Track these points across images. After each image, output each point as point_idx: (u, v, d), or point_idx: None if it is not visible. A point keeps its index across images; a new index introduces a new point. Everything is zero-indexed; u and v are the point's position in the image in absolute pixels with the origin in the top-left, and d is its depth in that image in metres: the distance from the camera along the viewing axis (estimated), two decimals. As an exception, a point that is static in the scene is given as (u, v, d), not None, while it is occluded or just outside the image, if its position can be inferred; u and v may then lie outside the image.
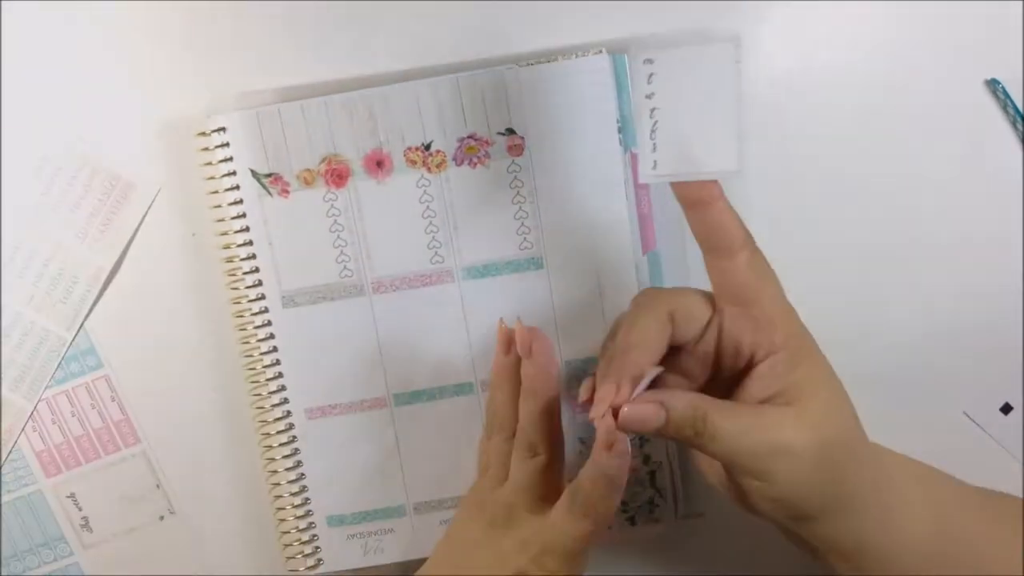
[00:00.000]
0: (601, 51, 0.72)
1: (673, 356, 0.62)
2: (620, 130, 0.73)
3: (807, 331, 0.61)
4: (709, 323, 0.61)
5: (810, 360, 0.60)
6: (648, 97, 0.56)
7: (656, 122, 0.56)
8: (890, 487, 0.61)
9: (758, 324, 0.59)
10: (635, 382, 0.59)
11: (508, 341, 0.70)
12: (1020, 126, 0.76)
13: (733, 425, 0.57)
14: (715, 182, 0.58)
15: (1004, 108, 0.76)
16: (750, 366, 0.60)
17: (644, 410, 0.58)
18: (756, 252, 0.60)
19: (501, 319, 0.71)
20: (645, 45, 0.56)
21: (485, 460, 0.72)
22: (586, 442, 0.77)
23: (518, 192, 0.74)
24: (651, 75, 0.56)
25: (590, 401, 0.62)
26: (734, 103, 0.54)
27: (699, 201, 0.58)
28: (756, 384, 0.59)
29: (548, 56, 0.73)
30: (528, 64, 0.73)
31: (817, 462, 0.58)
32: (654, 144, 0.57)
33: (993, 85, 0.76)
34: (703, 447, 0.58)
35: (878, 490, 0.61)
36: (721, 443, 0.57)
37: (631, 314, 0.62)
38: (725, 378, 0.62)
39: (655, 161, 0.57)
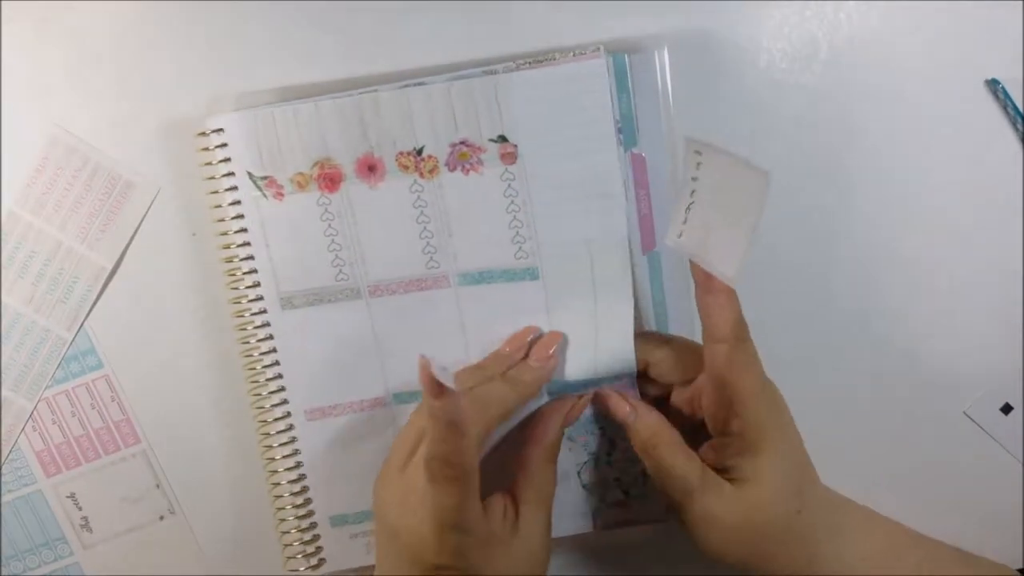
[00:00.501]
0: (599, 50, 0.72)
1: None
2: (620, 130, 0.73)
3: (774, 421, 0.67)
4: (689, 380, 0.72)
5: (763, 452, 0.66)
6: (693, 180, 0.61)
7: (693, 203, 0.62)
8: (839, 535, 0.69)
9: (722, 405, 0.66)
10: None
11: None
12: (1020, 126, 0.75)
13: (678, 470, 0.68)
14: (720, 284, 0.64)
15: (1004, 108, 0.76)
16: (715, 431, 0.68)
17: (619, 402, 0.73)
18: (740, 344, 0.65)
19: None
20: (696, 140, 0.60)
21: None
22: (575, 439, 0.77)
23: (512, 201, 0.73)
24: (699, 164, 0.61)
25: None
26: (754, 226, 0.58)
27: (703, 286, 0.64)
28: (709, 452, 0.69)
29: (545, 56, 0.72)
30: (523, 66, 0.72)
31: (735, 536, 0.67)
32: (686, 219, 0.62)
33: (993, 85, 0.75)
34: (649, 468, 0.70)
35: (817, 542, 0.68)
36: (661, 476, 0.69)
37: None
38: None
39: (682, 232, 0.63)
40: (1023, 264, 0.77)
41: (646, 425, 0.70)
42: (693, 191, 0.62)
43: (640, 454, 0.71)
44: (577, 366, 0.75)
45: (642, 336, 0.75)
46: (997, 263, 0.77)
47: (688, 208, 0.62)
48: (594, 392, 0.75)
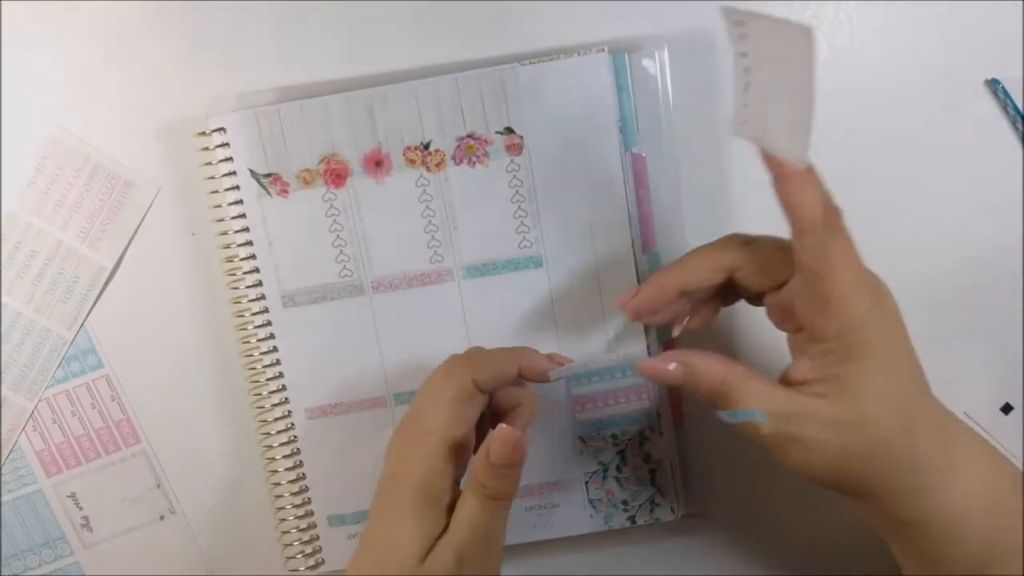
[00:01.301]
0: (603, 50, 0.72)
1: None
2: (621, 130, 0.73)
3: (879, 320, 0.59)
4: (780, 285, 0.62)
5: (865, 358, 0.58)
6: (742, 56, 0.56)
7: (749, 81, 0.56)
8: (948, 464, 0.60)
9: (817, 306, 0.59)
10: (656, 292, 0.65)
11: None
12: (1020, 126, 0.76)
13: (762, 403, 0.59)
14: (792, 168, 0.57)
15: (1004, 108, 0.76)
16: (812, 340, 0.60)
17: (662, 370, 0.62)
18: (827, 235, 0.57)
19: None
20: (734, 10, 0.55)
21: None
22: (586, 441, 0.77)
23: (517, 191, 0.74)
24: (743, 35, 0.55)
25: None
26: (812, 91, 0.53)
27: (778, 174, 0.58)
28: (805, 363, 0.60)
29: (549, 55, 0.73)
30: (528, 63, 0.73)
31: (835, 461, 0.59)
32: (746, 101, 0.56)
33: (993, 85, 0.76)
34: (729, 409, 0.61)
35: (922, 468, 0.60)
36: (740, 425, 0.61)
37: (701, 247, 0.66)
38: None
39: (746, 119, 0.57)
40: (1023, 264, 0.77)
41: (706, 377, 0.62)
42: (746, 68, 0.56)
43: (713, 405, 0.62)
44: (586, 350, 0.76)
45: (722, 240, 0.66)
46: (997, 263, 0.78)
47: (746, 89, 0.56)
48: (638, 371, 0.64)
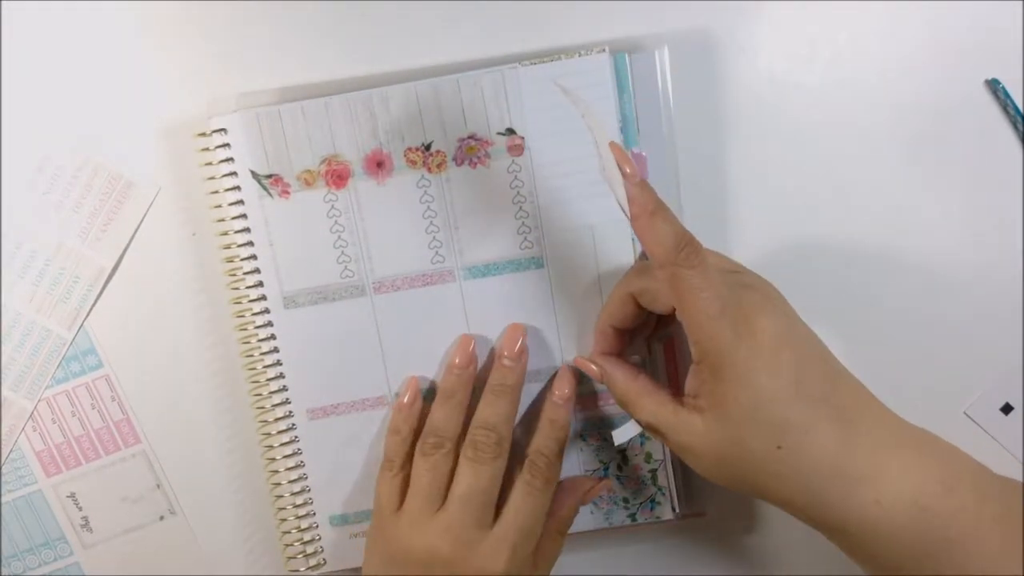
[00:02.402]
0: (604, 50, 0.72)
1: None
2: (621, 129, 0.74)
3: (744, 344, 0.61)
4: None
5: (728, 380, 0.62)
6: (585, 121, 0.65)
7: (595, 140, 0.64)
8: (849, 474, 0.61)
9: (687, 330, 0.63)
10: (599, 336, 0.73)
11: (470, 353, 0.75)
12: (1020, 126, 0.76)
13: (653, 417, 0.67)
14: (647, 196, 0.62)
15: (1004, 108, 0.76)
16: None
17: (587, 366, 0.73)
18: (678, 270, 0.61)
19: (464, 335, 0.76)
20: (562, 86, 0.66)
21: (398, 488, 0.74)
22: (587, 439, 0.77)
23: (518, 192, 0.74)
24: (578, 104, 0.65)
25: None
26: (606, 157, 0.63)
27: (630, 216, 0.63)
28: (689, 379, 0.66)
29: (550, 55, 0.73)
30: (530, 63, 0.73)
31: (721, 469, 0.64)
32: (599, 155, 0.64)
33: (993, 85, 0.76)
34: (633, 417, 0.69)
35: (815, 480, 0.62)
36: (643, 422, 0.68)
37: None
38: None
39: (602, 168, 0.64)
40: (1023, 264, 0.78)
41: (613, 384, 0.70)
42: (590, 128, 0.64)
43: (624, 408, 0.70)
44: (587, 349, 0.76)
45: (629, 271, 0.73)
46: (997, 263, 0.78)
47: (596, 144, 0.63)
48: (565, 373, 0.76)
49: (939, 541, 0.60)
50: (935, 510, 0.60)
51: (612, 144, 0.63)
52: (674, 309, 0.64)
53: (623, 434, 0.72)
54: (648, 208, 0.62)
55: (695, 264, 0.61)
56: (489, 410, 0.73)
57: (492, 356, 0.76)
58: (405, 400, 0.75)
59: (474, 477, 0.71)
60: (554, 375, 0.76)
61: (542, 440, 0.73)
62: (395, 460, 0.74)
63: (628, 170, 0.62)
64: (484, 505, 0.71)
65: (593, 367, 0.72)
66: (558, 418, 0.74)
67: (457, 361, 0.74)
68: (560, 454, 0.74)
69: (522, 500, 0.72)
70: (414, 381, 0.76)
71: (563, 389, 0.75)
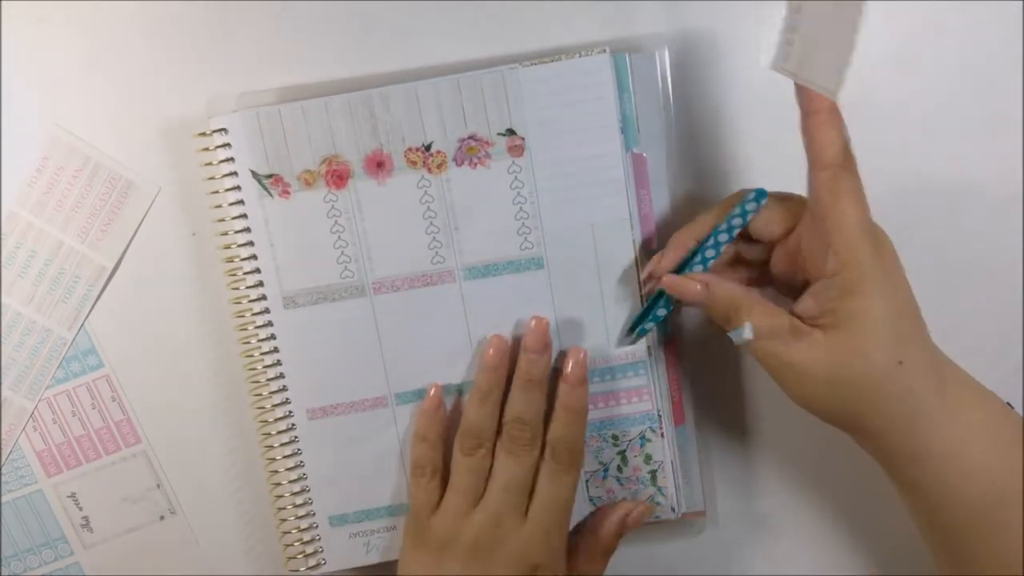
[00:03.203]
0: (604, 51, 0.73)
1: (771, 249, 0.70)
2: (622, 130, 0.74)
3: (879, 262, 0.62)
4: (794, 228, 0.67)
5: (863, 294, 0.62)
6: (796, 11, 0.59)
7: (798, 19, 0.60)
8: (944, 405, 0.63)
9: (822, 243, 0.63)
10: (677, 250, 0.71)
11: (504, 352, 0.75)
12: None
13: (770, 327, 0.65)
14: (824, 98, 0.62)
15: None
16: (814, 277, 0.64)
17: (687, 284, 0.69)
18: (841, 172, 0.61)
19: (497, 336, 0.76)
20: None
21: (434, 491, 0.75)
22: (587, 441, 0.77)
23: (518, 192, 0.74)
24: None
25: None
26: (855, 39, 0.59)
27: (804, 109, 0.63)
28: (808, 299, 0.65)
29: (551, 55, 0.73)
30: (530, 64, 0.73)
31: (828, 390, 0.64)
32: (790, 40, 0.60)
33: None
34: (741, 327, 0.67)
35: (916, 405, 0.63)
36: (760, 328, 0.66)
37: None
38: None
39: (788, 54, 0.60)
40: (1023, 264, 0.78)
41: (720, 297, 0.68)
42: (797, 8, 0.60)
43: (724, 324, 0.69)
44: (591, 349, 0.76)
45: (731, 196, 0.71)
46: (997, 263, 0.78)
47: (794, 27, 0.60)
48: (663, 287, 0.71)
49: (1012, 493, 0.63)
50: (1014, 458, 0.63)
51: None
52: (780, 236, 0.67)
53: (737, 336, 0.68)
54: (827, 105, 0.62)
55: (855, 174, 0.62)
56: (521, 405, 0.73)
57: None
58: (428, 406, 0.76)
59: (512, 470, 0.72)
60: (560, 357, 0.76)
61: (560, 428, 0.73)
62: (426, 467, 0.75)
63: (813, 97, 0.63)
64: (521, 495, 0.72)
65: (696, 285, 0.69)
66: (573, 402, 0.73)
67: (492, 361, 0.74)
68: (581, 437, 0.74)
69: (550, 487, 0.73)
70: (437, 388, 0.76)
71: (576, 372, 0.74)
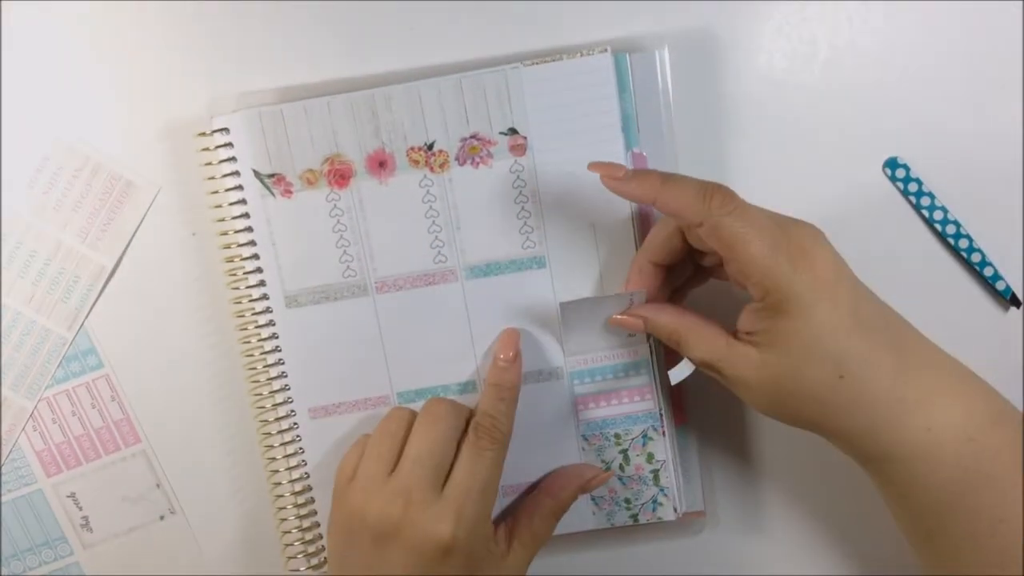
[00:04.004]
0: (606, 50, 0.73)
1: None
2: (623, 129, 0.74)
3: (802, 276, 0.62)
4: None
5: (789, 314, 0.62)
6: None
7: None
8: (904, 403, 0.63)
9: (741, 275, 0.63)
10: (634, 272, 0.73)
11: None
12: None
13: (707, 352, 0.67)
14: (645, 177, 0.65)
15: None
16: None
17: (628, 321, 0.71)
18: (719, 219, 0.62)
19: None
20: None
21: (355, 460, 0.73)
22: (589, 440, 0.77)
23: (520, 192, 0.74)
24: None
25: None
26: None
27: (648, 203, 0.67)
28: (744, 315, 0.66)
29: (552, 55, 0.73)
30: (532, 63, 0.73)
31: (775, 403, 0.66)
32: None
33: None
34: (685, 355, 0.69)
35: (870, 410, 0.63)
36: (696, 359, 0.68)
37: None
38: None
39: None
40: (1023, 263, 0.78)
41: (659, 328, 0.70)
42: None
43: (675, 348, 0.70)
44: (591, 348, 0.76)
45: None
46: (996, 263, 0.78)
47: None
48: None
49: (981, 476, 0.62)
50: (982, 443, 0.62)
51: (591, 165, 0.67)
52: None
53: (678, 374, 0.74)
54: (655, 182, 0.64)
55: (731, 210, 0.62)
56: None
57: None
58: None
59: (425, 439, 0.70)
60: (496, 340, 0.76)
61: (486, 402, 0.72)
62: (361, 440, 0.74)
63: (616, 173, 0.66)
64: (436, 467, 0.69)
65: (633, 320, 0.71)
66: (502, 381, 0.73)
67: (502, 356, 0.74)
68: (508, 415, 0.72)
69: (469, 462, 0.70)
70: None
71: (507, 352, 0.73)
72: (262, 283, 0.76)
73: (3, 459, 0.80)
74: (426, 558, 0.68)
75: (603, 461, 0.78)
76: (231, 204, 0.75)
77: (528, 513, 0.75)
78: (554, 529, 0.76)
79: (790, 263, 0.62)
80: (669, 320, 0.69)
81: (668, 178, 0.64)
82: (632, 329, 0.72)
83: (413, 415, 0.72)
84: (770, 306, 0.63)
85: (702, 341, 0.67)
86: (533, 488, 0.77)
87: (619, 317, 0.72)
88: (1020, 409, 0.66)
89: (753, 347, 0.64)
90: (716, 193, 0.63)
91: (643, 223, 0.75)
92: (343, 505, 0.71)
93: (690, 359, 0.69)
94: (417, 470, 0.69)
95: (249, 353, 0.77)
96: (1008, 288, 0.77)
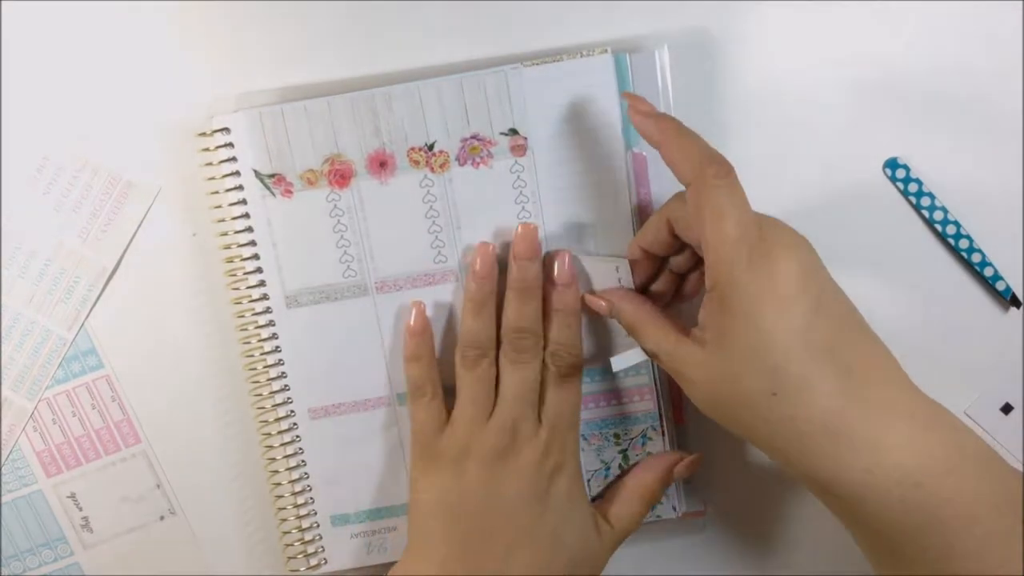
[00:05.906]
0: (606, 51, 0.73)
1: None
2: (623, 129, 0.74)
3: (755, 276, 0.60)
4: None
5: (732, 313, 0.60)
6: None
7: None
8: (845, 439, 0.59)
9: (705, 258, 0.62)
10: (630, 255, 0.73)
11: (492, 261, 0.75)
12: None
13: (656, 344, 0.67)
14: (669, 122, 0.66)
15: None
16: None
17: (595, 301, 0.73)
18: (703, 187, 0.61)
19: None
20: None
21: (438, 410, 0.75)
22: (588, 439, 0.78)
23: (521, 192, 0.74)
24: None
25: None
26: None
27: (655, 143, 0.66)
28: (700, 311, 0.64)
29: (552, 55, 0.73)
30: (532, 63, 0.73)
31: (713, 401, 0.64)
32: None
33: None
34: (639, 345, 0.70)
35: (806, 436, 0.60)
36: (647, 349, 0.69)
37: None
38: None
39: None
40: (1023, 264, 0.78)
41: (622, 313, 0.72)
42: None
43: (633, 336, 0.71)
44: (590, 348, 0.77)
45: (670, 198, 0.70)
46: (996, 262, 0.78)
47: None
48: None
49: (930, 521, 0.58)
50: (930, 489, 0.58)
51: (625, 93, 0.70)
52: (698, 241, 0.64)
53: (624, 360, 0.74)
54: (671, 130, 0.64)
55: (721, 183, 0.61)
56: (519, 313, 0.73)
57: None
58: (415, 324, 0.75)
59: (521, 378, 0.73)
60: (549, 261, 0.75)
61: (557, 330, 0.74)
62: (425, 386, 0.74)
63: (643, 107, 0.67)
64: (533, 402, 0.73)
65: (601, 302, 0.73)
66: (566, 304, 0.74)
67: (482, 271, 0.74)
68: (578, 338, 0.74)
69: (558, 392, 0.73)
70: (420, 306, 0.76)
71: (563, 272, 0.74)
72: (262, 283, 0.76)
73: (3, 459, 0.80)
74: (542, 474, 0.72)
75: (603, 461, 0.78)
76: (231, 204, 0.75)
77: (614, 499, 0.76)
78: (644, 516, 0.77)
79: (748, 259, 0.60)
80: (629, 308, 0.71)
81: (683, 132, 0.64)
82: (598, 311, 0.73)
83: (494, 359, 0.74)
84: (715, 298, 0.61)
85: (653, 333, 0.68)
86: (622, 476, 0.78)
87: (590, 296, 0.74)
88: (991, 447, 0.62)
89: (699, 346, 0.63)
90: (718, 162, 0.62)
91: (643, 223, 0.75)
92: (437, 450, 0.74)
93: (643, 349, 0.70)
94: (518, 407, 0.72)
95: (249, 353, 0.77)
96: (1008, 288, 0.77)
